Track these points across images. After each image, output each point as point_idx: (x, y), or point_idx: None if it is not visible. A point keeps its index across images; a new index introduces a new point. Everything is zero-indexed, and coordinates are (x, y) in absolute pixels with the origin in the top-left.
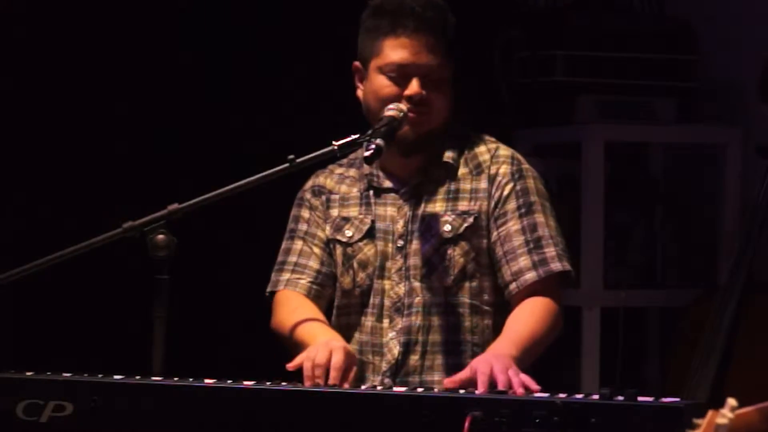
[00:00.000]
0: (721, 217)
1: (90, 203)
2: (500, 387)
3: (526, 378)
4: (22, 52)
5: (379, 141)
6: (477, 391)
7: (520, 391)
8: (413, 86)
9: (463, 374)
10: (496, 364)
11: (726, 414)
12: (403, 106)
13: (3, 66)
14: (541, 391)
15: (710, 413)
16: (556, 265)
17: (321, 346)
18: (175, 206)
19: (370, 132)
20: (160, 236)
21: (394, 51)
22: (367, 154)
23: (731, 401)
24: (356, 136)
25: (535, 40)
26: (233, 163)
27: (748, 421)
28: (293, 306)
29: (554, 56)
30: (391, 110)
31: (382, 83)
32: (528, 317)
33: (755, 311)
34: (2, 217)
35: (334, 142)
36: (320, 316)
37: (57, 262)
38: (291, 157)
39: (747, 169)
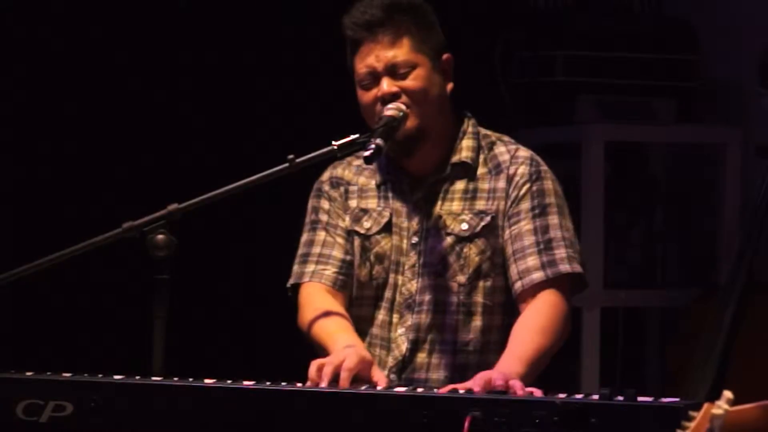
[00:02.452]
0: (721, 217)
1: (90, 203)
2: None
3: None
4: (22, 52)
5: (378, 140)
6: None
7: (520, 393)
8: (381, 86)
9: (463, 386)
10: (497, 377)
11: (722, 405)
12: (402, 105)
13: (3, 66)
14: (541, 391)
15: (706, 405)
16: (565, 267)
17: (335, 356)
18: (174, 206)
19: (369, 132)
20: (160, 236)
21: (361, 63)
22: (366, 153)
23: (727, 393)
24: (356, 135)
25: (535, 41)
26: (233, 163)
27: (748, 417)
28: (317, 305)
29: (554, 56)
30: (390, 110)
31: (360, 94)
32: (535, 326)
33: (755, 311)
34: (2, 217)
35: (333, 142)
36: (344, 313)
37: (57, 262)
38: (291, 157)
39: (747, 169)
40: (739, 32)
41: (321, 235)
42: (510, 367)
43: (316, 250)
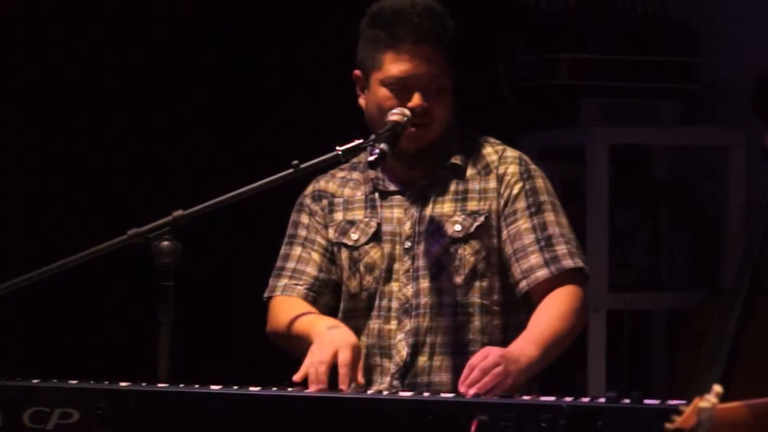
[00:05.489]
0: (726, 218)
1: (95, 210)
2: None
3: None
4: (26, 56)
5: (383, 145)
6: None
7: (470, 392)
8: (415, 99)
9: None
10: (493, 360)
11: (710, 399)
12: (407, 110)
13: (6, 69)
14: (547, 395)
15: (696, 399)
16: (568, 262)
17: (324, 345)
18: (179, 213)
19: (373, 137)
20: (165, 243)
21: (395, 64)
22: (371, 158)
23: (717, 387)
24: (360, 141)
25: (538, 43)
26: (238, 169)
27: (737, 415)
28: (287, 306)
29: (557, 59)
30: (394, 115)
31: (384, 95)
32: (552, 312)
33: (761, 312)
34: (8, 224)
35: (337, 147)
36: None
37: (62, 270)
38: (295, 162)
39: (751, 171)
40: (742, 34)
41: (297, 250)
42: (523, 349)
43: (291, 265)
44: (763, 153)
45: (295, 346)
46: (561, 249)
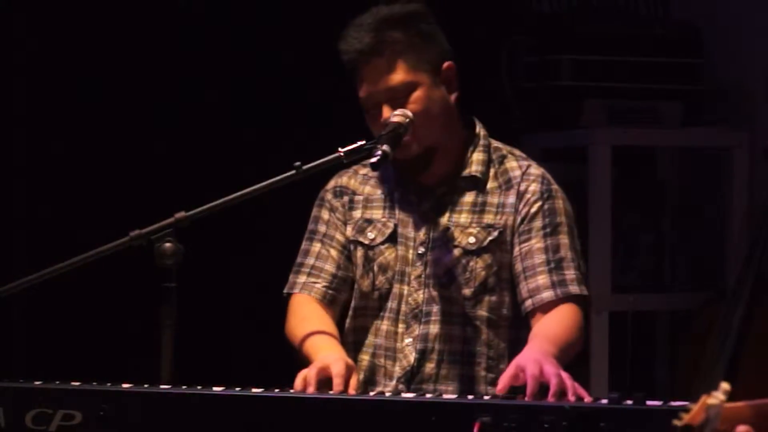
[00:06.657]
0: (729, 219)
1: (97, 212)
2: (552, 390)
3: (578, 387)
4: (30, 58)
5: (385, 147)
6: (527, 398)
7: (572, 399)
8: (384, 112)
9: (508, 373)
10: (546, 365)
11: (718, 396)
12: (408, 111)
13: (11, 70)
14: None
15: (703, 396)
16: (575, 288)
17: (318, 361)
18: (182, 214)
19: (376, 138)
20: (168, 244)
21: (361, 90)
22: (373, 160)
23: (724, 385)
24: (362, 142)
25: (541, 45)
26: (240, 170)
27: (740, 415)
28: (304, 314)
29: (561, 60)
30: (396, 116)
31: (368, 119)
32: (560, 322)
33: (764, 313)
34: (10, 226)
35: (339, 149)
36: (329, 327)
37: (64, 271)
38: (297, 164)
39: (754, 172)
40: (745, 35)
41: (316, 246)
42: (542, 346)
43: (310, 261)
44: (767, 153)
45: (301, 357)
46: (570, 274)
